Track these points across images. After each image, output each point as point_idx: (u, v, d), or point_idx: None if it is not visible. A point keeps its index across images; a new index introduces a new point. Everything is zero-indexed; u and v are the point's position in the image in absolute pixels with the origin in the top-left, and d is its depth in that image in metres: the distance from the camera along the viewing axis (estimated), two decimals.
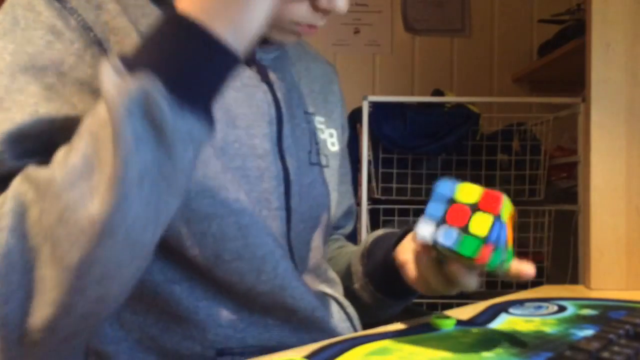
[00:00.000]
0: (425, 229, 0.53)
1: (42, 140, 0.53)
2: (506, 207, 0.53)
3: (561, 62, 2.02)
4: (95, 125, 0.46)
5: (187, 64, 0.46)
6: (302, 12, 0.63)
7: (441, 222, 0.53)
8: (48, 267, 0.46)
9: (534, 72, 2.25)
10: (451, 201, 0.53)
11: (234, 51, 0.48)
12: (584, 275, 0.92)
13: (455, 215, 0.52)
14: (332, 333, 0.67)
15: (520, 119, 2.03)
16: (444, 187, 0.54)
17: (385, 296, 0.76)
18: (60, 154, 0.48)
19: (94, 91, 0.56)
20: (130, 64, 0.46)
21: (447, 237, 0.52)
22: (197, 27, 0.46)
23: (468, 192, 0.53)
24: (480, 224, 0.52)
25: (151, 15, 0.62)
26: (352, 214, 0.90)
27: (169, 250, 0.59)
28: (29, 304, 0.47)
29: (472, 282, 0.58)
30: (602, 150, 0.89)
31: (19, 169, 0.50)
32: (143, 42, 0.48)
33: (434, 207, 0.53)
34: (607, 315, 0.67)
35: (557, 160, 1.98)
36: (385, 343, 0.56)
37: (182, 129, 0.46)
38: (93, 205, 0.44)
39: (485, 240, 0.51)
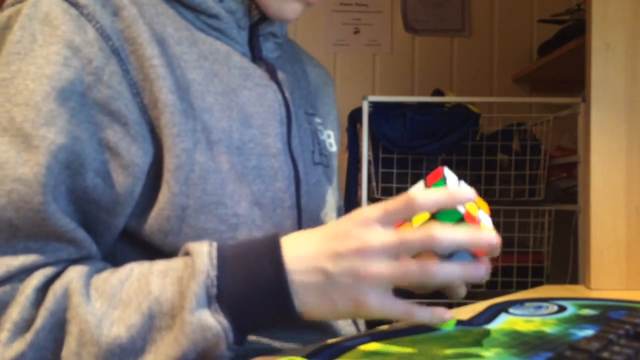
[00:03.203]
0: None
1: (73, 171, 0.54)
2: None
3: (561, 62, 2.02)
4: (158, 314, 0.50)
5: (261, 322, 0.52)
6: None
7: None
8: None
9: (534, 72, 2.25)
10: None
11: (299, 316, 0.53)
12: (584, 275, 0.92)
13: None
14: (336, 335, 0.67)
15: (520, 119, 2.03)
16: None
17: None
18: (106, 293, 0.52)
19: (110, 112, 0.56)
20: (221, 294, 0.50)
21: None
22: (291, 304, 0.51)
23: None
24: None
25: (164, 14, 0.63)
26: (342, 215, 0.91)
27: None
28: None
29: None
30: (602, 150, 0.89)
31: (62, 227, 0.53)
32: (238, 275, 0.52)
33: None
34: (607, 315, 0.67)
35: (557, 160, 1.98)
36: (386, 343, 0.56)
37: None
38: None
39: None
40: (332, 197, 0.77)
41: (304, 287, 0.51)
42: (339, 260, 0.51)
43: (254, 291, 0.51)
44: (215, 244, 0.53)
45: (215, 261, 0.51)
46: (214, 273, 0.50)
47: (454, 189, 0.52)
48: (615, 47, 0.89)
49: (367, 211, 0.51)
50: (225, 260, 0.52)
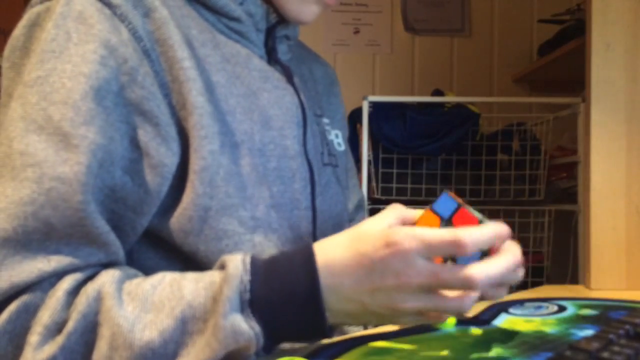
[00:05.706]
0: None
1: (104, 170, 0.54)
2: None
3: (561, 62, 2.02)
4: (191, 319, 0.50)
5: (291, 330, 0.52)
6: None
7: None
8: None
9: (534, 72, 2.25)
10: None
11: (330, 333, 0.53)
12: (584, 275, 0.92)
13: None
14: (341, 335, 0.67)
15: (520, 119, 2.03)
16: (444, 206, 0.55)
17: None
18: (139, 297, 0.51)
19: (142, 113, 0.56)
20: (254, 299, 0.50)
21: None
22: (323, 316, 0.51)
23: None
24: None
25: (188, 17, 0.63)
26: (362, 206, 0.93)
27: (185, 265, 0.60)
28: None
29: None
30: (602, 150, 0.89)
31: (98, 228, 0.53)
32: (272, 286, 0.51)
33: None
34: (607, 315, 0.67)
35: (557, 160, 1.98)
36: (385, 343, 0.56)
37: None
38: None
39: None
40: (342, 197, 0.79)
41: (339, 311, 0.53)
42: (377, 294, 0.51)
43: (287, 300, 0.51)
44: (249, 253, 0.53)
45: (248, 267, 0.51)
46: (247, 278, 0.50)
47: (497, 228, 0.51)
48: (615, 47, 0.89)
49: (408, 243, 0.49)
50: (258, 267, 0.52)
